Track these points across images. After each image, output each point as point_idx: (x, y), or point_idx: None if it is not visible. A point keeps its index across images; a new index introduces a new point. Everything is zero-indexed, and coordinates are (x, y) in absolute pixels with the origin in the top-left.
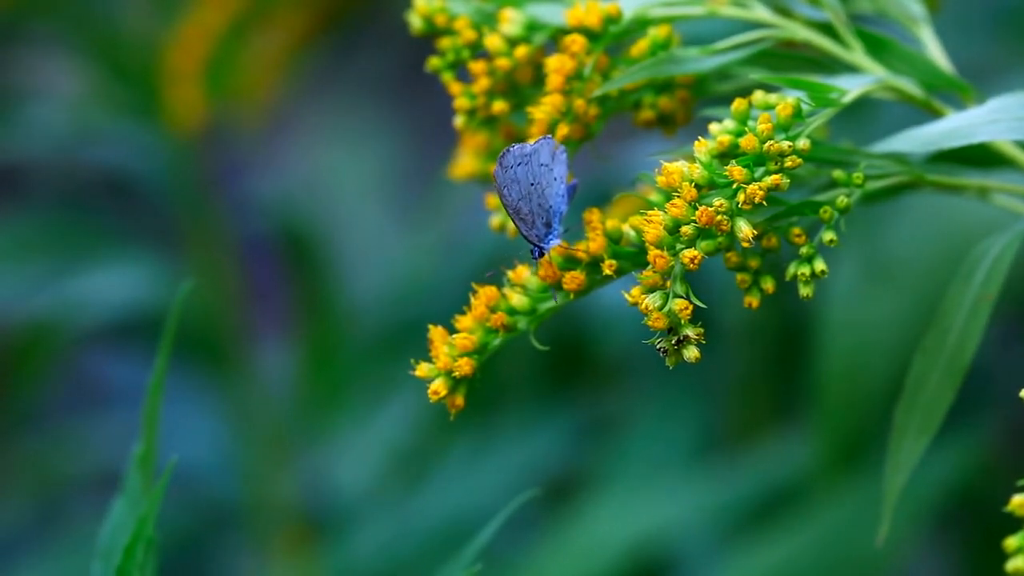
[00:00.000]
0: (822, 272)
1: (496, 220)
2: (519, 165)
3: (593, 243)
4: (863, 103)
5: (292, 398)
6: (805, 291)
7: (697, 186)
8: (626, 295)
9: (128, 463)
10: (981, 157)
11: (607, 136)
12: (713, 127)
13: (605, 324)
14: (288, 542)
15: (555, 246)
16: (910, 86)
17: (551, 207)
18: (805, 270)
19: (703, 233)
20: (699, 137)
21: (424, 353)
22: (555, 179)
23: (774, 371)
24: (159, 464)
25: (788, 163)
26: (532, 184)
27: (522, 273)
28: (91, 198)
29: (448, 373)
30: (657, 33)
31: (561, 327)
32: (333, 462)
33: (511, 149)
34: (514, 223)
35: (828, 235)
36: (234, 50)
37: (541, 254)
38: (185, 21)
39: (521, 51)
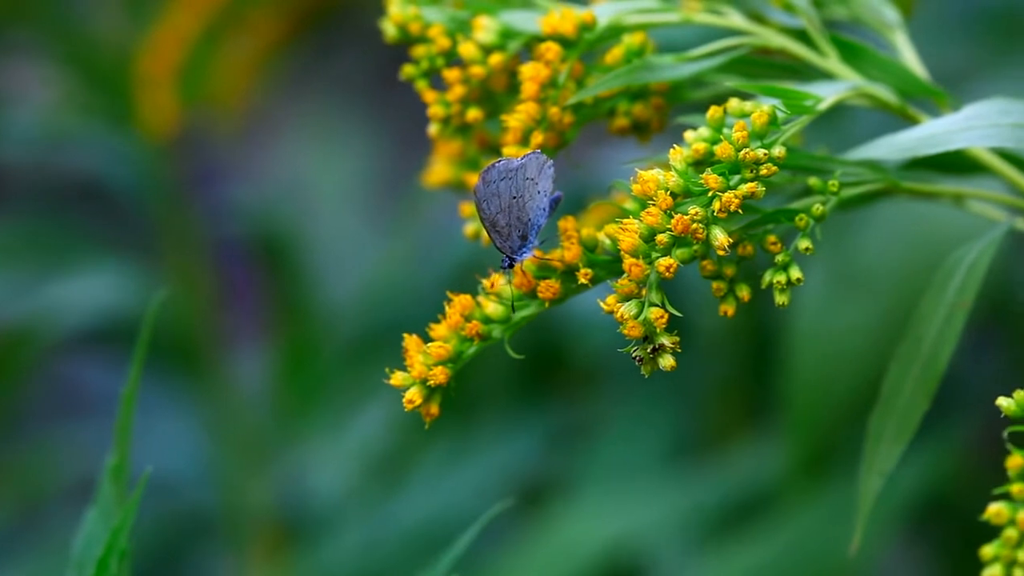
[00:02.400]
0: (798, 280)
1: (471, 228)
2: (503, 180)
3: (568, 252)
4: (838, 110)
5: (268, 404)
6: (781, 299)
7: (672, 194)
8: (601, 304)
9: (102, 473)
10: (957, 164)
11: (582, 141)
12: (688, 135)
13: (580, 330)
14: (264, 548)
15: (527, 258)
16: (885, 93)
17: (530, 220)
18: (781, 278)
19: (678, 241)
20: (674, 145)
21: (399, 358)
22: (539, 192)
23: (748, 376)
24: (133, 473)
25: (763, 171)
26: (514, 197)
27: (497, 281)
28: (66, 204)
29: (423, 382)
30: (632, 40)
31: (537, 333)
32: (309, 467)
33: (496, 165)
34: (489, 235)
35: (804, 243)
36: (207, 55)
37: (511, 265)
38: (158, 27)
39: (495, 59)
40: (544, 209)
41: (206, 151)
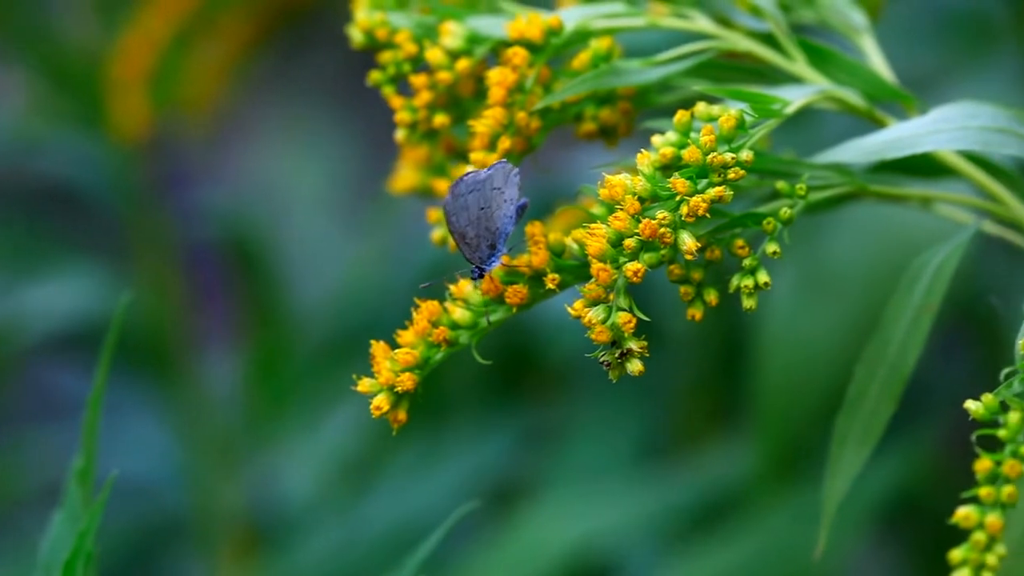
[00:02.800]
0: (765, 284)
1: (438, 234)
2: (471, 192)
3: (536, 257)
4: (806, 113)
5: (239, 407)
6: (748, 303)
7: (640, 199)
8: (569, 309)
9: (68, 477)
10: (924, 167)
11: (552, 144)
12: (656, 139)
13: (551, 332)
14: (236, 551)
15: (496, 266)
16: (852, 96)
17: (498, 229)
18: (748, 282)
19: (646, 246)
20: (642, 149)
21: (370, 361)
22: (506, 201)
23: (718, 378)
24: (104, 475)
25: (731, 175)
26: (482, 208)
27: (464, 287)
28: (39, 208)
29: (390, 388)
30: (598, 45)
31: (508, 335)
32: (280, 470)
33: (464, 178)
34: (459, 247)
35: (771, 247)
36: (178, 59)
37: (481, 275)
38: (129, 32)
39: (462, 64)
40: (511, 217)
41: (178, 154)
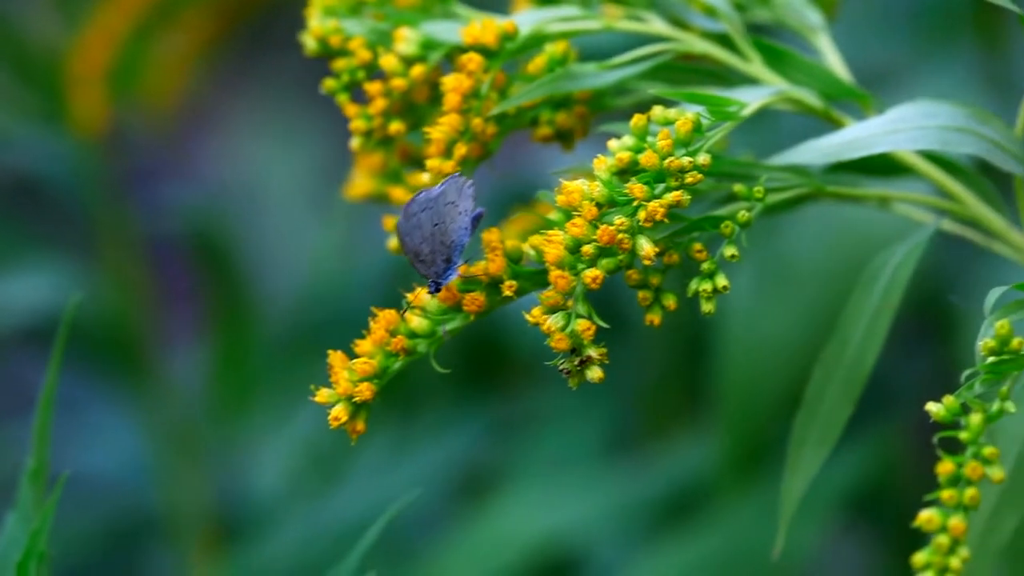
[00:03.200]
0: (724, 288)
1: (393, 242)
2: (423, 211)
3: (492, 264)
4: (764, 113)
5: (206, 401)
6: (707, 307)
7: (597, 204)
8: (527, 316)
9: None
10: (882, 167)
11: (509, 147)
12: (612, 144)
13: (520, 324)
14: (205, 545)
15: (453, 278)
16: (809, 97)
17: (453, 242)
18: (707, 286)
19: (604, 252)
20: (599, 154)
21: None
22: (460, 213)
23: (684, 372)
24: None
25: (689, 179)
26: (436, 224)
27: (421, 295)
28: (3, 203)
29: (348, 398)
30: (554, 49)
31: (477, 327)
32: (248, 464)
33: (416, 198)
34: (413, 266)
35: (729, 250)
36: (138, 54)
37: (438, 289)
38: (89, 26)
39: (417, 70)
40: (467, 228)
41: (143, 149)
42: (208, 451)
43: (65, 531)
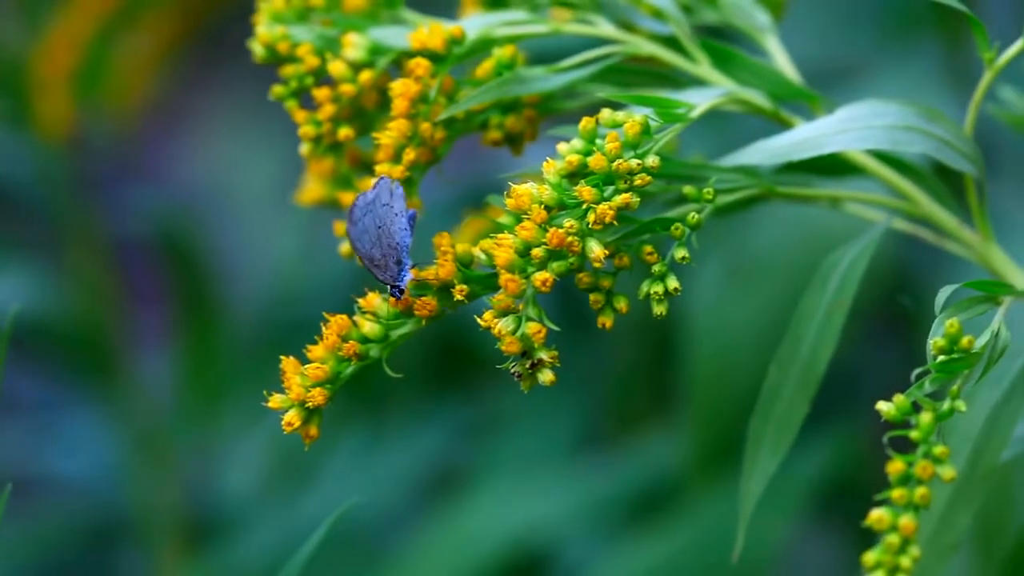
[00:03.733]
0: (675, 290)
1: (345, 248)
2: (366, 215)
3: (443, 268)
4: (716, 114)
5: (175, 403)
6: (659, 309)
7: (547, 208)
8: (479, 320)
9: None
10: (833, 167)
11: (460, 152)
12: (561, 147)
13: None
14: (177, 547)
15: (409, 279)
16: (758, 98)
17: (398, 244)
18: (658, 288)
19: (554, 255)
20: (548, 157)
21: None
22: (396, 215)
23: (652, 369)
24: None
25: (638, 181)
26: (379, 227)
27: (373, 300)
28: None
29: (301, 404)
30: (502, 53)
31: (445, 325)
32: (219, 466)
33: (356, 202)
34: (371, 272)
35: (680, 252)
36: (102, 56)
37: (401, 292)
38: (52, 29)
39: (365, 76)
40: (406, 229)
41: (111, 151)
42: (178, 453)
43: (36, 533)
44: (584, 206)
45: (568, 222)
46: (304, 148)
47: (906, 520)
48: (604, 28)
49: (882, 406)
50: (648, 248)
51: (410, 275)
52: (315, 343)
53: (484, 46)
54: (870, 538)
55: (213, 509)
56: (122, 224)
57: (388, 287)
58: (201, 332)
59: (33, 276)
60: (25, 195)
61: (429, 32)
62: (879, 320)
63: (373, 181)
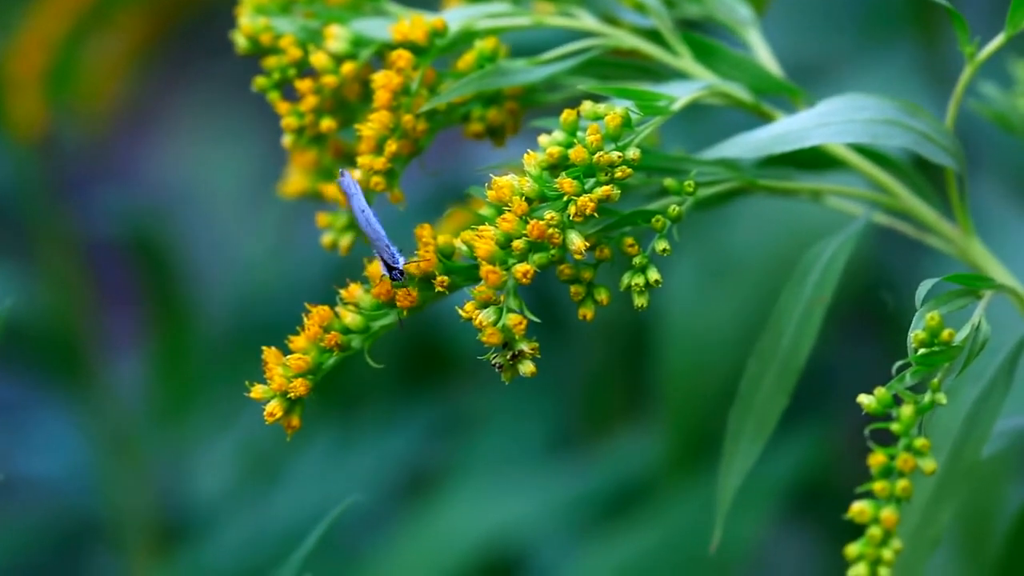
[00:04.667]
0: (656, 282)
1: (328, 238)
2: (351, 199)
3: (424, 259)
4: (699, 108)
5: (147, 404)
6: (640, 301)
7: (528, 200)
8: (460, 311)
9: None
10: (813, 160)
11: (443, 145)
12: (542, 139)
13: (459, 322)
14: (148, 548)
15: (403, 262)
16: (739, 91)
17: (376, 231)
18: (639, 280)
19: (535, 247)
20: (529, 149)
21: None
22: (361, 210)
23: (627, 366)
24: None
25: (618, 174)
26: (362, 211)
27: (354, 291)
28: None
29: (283, 394)
30: (484, 46)
31: (419, 324)
32: (191, 467)
33: (342, 187)
34: (375, 252)
35: (661, 244)
36: (74, 58)
37: (401, 274)
38: (24, 30)
39: (348, 68)
40: (375, 217)
41: (85, 154)
42: (150, 454)
43: (7, 535)
44: (565, 198)
45: (549, 214)
46: (287, 139)
47: (888, 512)
48: (586, 21)
49: (863, 399)
50: (629, 240)
51: (401, 259)
52: (285, 345)
53: (466, 38)
54: (842, 540)
55: (185, 510)
56: (93, 225)
57: (388, 270)
58: (173, 333)
59: (3, 278)
60: None
61: (411, 24)
62: (853, 320)
63: (378, 165)
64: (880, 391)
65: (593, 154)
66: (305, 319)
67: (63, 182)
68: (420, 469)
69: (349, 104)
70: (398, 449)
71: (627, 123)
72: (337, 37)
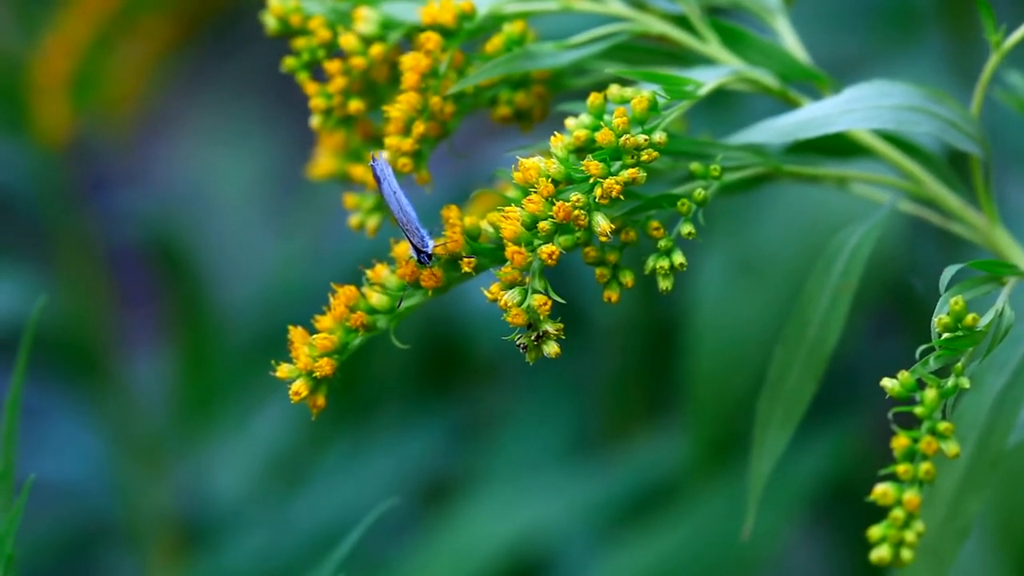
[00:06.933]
0: (681, 265)
1: (355, 219)
2: (381, 183)
3: (451, 240)
4: (727, 95)
5: (167, 408)
6: (664, 284)
7: (554, 181)
8: (486, 292)
9: None
10: (839, 147)
11: (470, 131)
12: (569, 122)
13: (480, 324)
14: (166, 552)
15: (431, 244)
16: (766, 77)
17: (409, 214)
18: (664, 263)
19: (561, 228)
20: (556, 132)
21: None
22: (394, 192)
23: (648, 367)
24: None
25: (644, 157)
26: (395, 193)
27: (381, 272)
28: None
29: (309, 374)
30: (512, 29)
31: (437, 327)
32: (210, 470)
33: (374, 171)
34: (405, 236)
35: (686, 228)
36: (99, 62)
37: (429, 258)
38: (50, 36)
39: (376, 50)
40: (407, 203)
41: (103, 157)
42: (169, 457)
43: (26, 537)
44: (591, 180)
45: (575, 196)
46: (315, 120)
47: (910, 495)
48: (614, 6)
49: (887, 383)
50: (655, 224)
51: (431, 241)
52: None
53: (494, 22)
54: (863, 544)
55: (203, 513)
56: (113, 228)
57: (417, 253)
58: (192, 336)
59: (26, 282)
60: (20, 202)
61: (440, 7)
62: (881, 320)
63: (406, 147)
64: (903, 375)
65: (620, 137)
66: (331, 299)
67: (84, 186)
68: (441, 473)
69: (377, 86)
70: (418, 453)
71: (654, 107)
72: (366, 19)
